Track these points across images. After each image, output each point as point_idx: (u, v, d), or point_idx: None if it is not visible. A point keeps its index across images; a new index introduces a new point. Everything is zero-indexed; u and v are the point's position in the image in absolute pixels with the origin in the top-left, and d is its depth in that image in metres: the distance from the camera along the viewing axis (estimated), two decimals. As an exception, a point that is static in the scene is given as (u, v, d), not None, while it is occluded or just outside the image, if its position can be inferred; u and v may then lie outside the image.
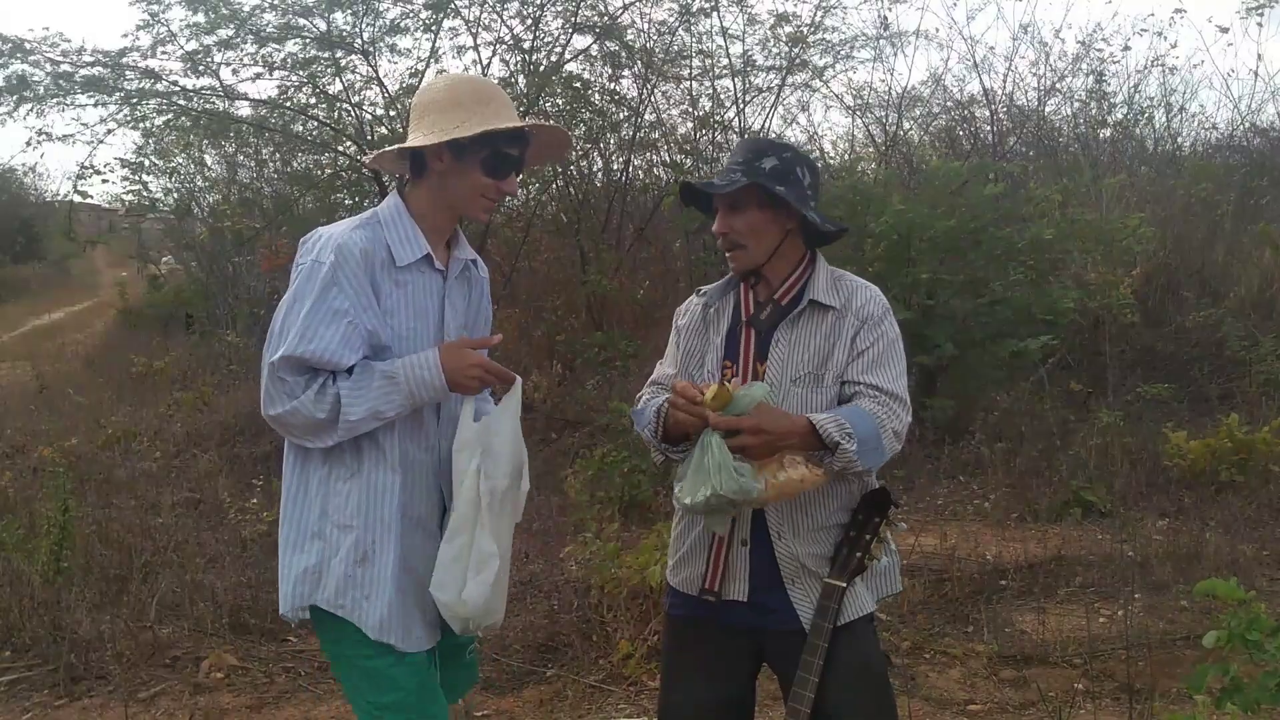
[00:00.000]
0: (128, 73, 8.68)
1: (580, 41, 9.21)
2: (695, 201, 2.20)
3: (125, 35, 8.81)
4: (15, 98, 8.64)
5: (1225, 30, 15.47)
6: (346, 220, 2.01)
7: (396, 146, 2.05)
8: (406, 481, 1.98)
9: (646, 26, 9.50)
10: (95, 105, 8.82)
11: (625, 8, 9.16)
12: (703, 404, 1.92)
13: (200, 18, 8.40)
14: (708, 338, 2.17)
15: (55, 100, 8.69)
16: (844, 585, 2.00)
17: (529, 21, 9.06)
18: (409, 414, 1.97)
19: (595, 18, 9.01)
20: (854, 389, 2.05)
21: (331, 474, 1.97)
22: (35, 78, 8.67)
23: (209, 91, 9.03)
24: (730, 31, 9.55)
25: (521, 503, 2.13)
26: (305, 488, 1.99)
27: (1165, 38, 14.26)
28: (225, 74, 8.92)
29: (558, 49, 9.20)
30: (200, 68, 8.71)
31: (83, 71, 8.63)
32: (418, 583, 2.00)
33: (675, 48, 9.64)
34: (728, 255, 2.13)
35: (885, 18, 9.86)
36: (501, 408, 2.07)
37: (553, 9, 8.96)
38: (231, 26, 8.44)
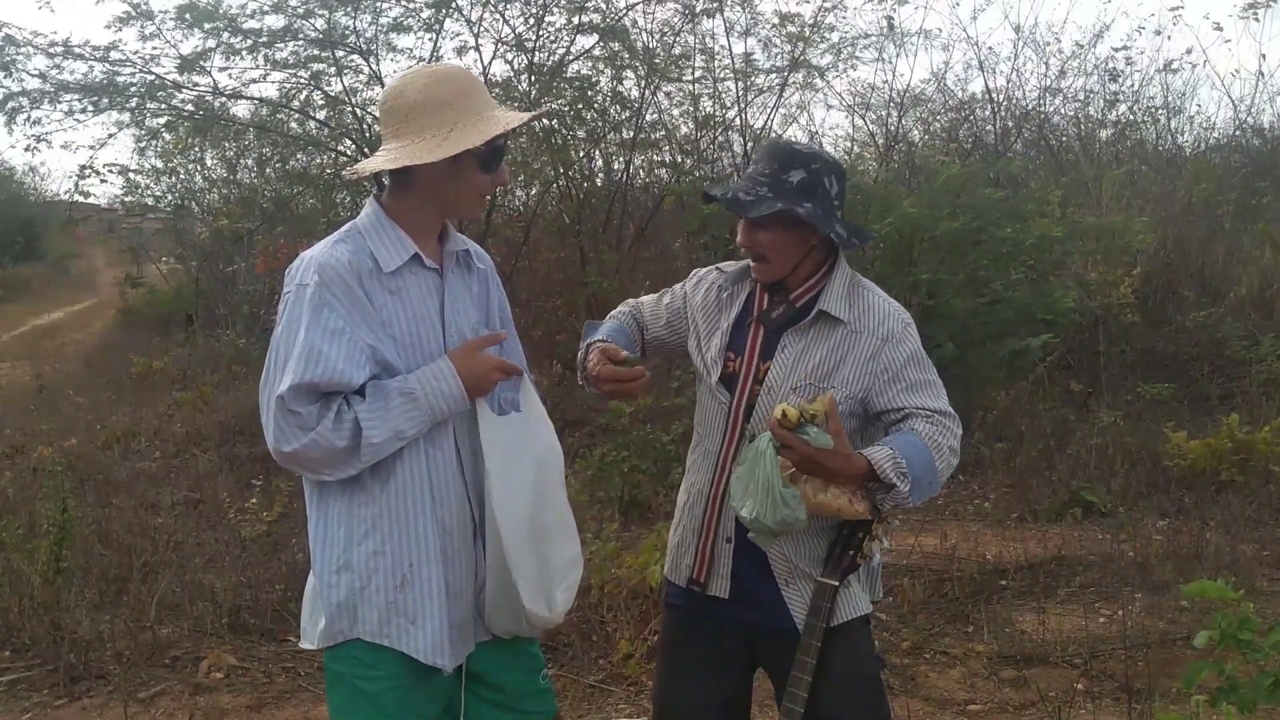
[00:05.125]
0: (120, 68, 8.69)
1: (583, 41, 9.22)
2: (716, 200, 2.16)
3: (108, 27, 8.79)
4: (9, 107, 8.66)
5: (1220, 28, 15.44)
6: (325, 239, 1.93)
7: (393, 164, 1.87)
8: (436, 494, 1.90)
9: (650, 26, 9.51)
10: (91, 110, 8.83)
11: (630, 8, 9.16)
12: (775, 420, 1.91)
13: (177, 15, 8.41)
14: (717, 322, 2.16)
15: (48, 102, 8.70)
16: (836, 584, 2.00)
17: (531, 20, 9.07)
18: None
19: (599, 19, 9.00)
20: (901, 413, 2.03)
21: (353, 500, 1.88)
22: (26, 83, 8.69)
23: (203, 90, 9.04)
24: (734, 29, 9.54)
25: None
26: (326, 520, 1.91)
27: (1170, 38, 14.22)
28: (222, 76, 8.93)
29: (560, 49, 9.20)
30: (194, 68, 8.70)
31: (71, 66, 8.65)
32: (457, 597, 1.93)
33: (678, 50, 9.64)
34: (751, 265, 2.11)
35: (891, 20, 9.82)
36: (529, 403, 2.03)
37: (557, 7, 8.96)
38: (220, 24, 8.42)
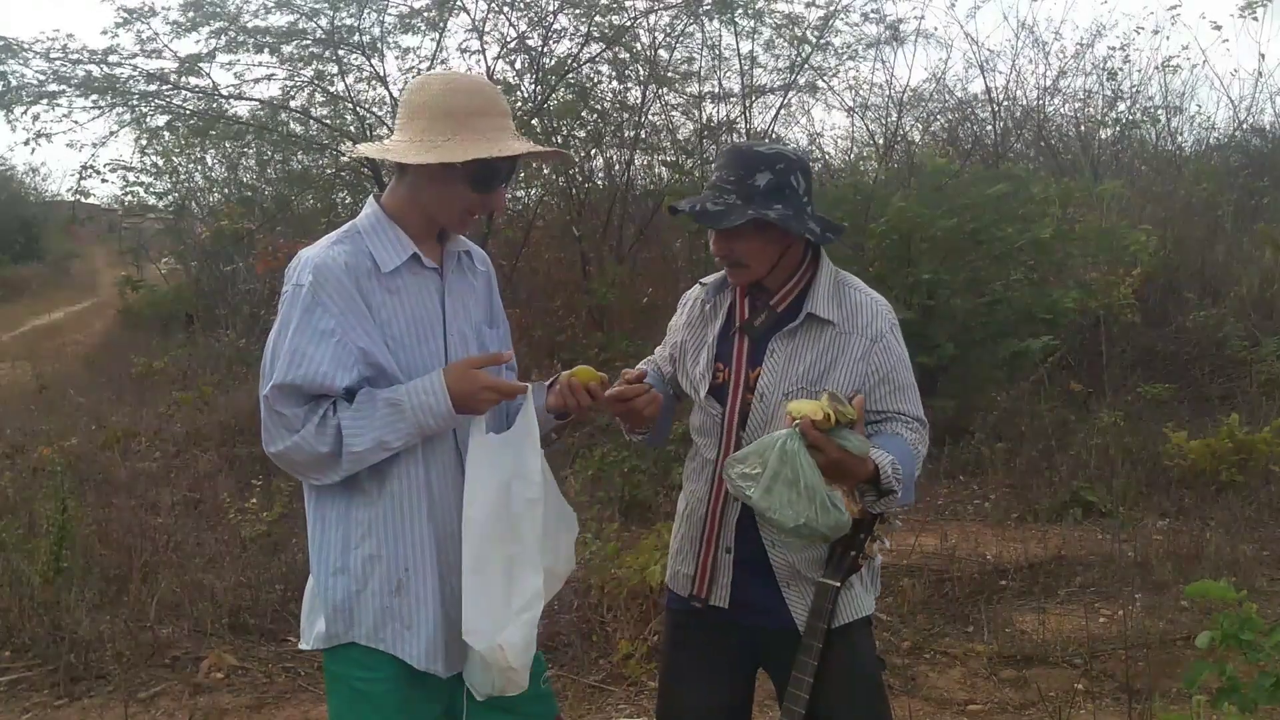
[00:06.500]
0: (118, 70, 8.71)
1: (589, 48, 9.21)
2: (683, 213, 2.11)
3: (105, 33, 8.88)
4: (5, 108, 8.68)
5: (1219, 28, 15.46)
6: (325, 237, 1.92)
7: (382, 154, 1.92)
8: (434, 500, 1.89)
9: (653, 26, 9.52)
10: (91, 108, 8.84)
11: (636, 19, 9.16)
12: (804, 418, 1.84)
13: (179, 16, 8.42)
14: (704, 335, 2.15)
15: (47, 101, 8.71)
16: (838, 585, 1.99)
17: (535, 21, 9.07)
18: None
19: (606, 28, 9.00)
20: (884, 416, 2.04)
21: (351, 504, 1.87)
22: (26, 79, 8.70)
23: (203, 91, 9.03)
24: (740, 31, 9.53)
25: (569, 512, 2.03)
26: (323, 523, 1.90)
27: (1169, 38, 14.18)
28: (226, 76, 8.96)
29: (565, 50, 9.20)
30: (194, 70, 8.71)
31: (70, 69, 8.65)
32: (456, 604, 1.90)
33: (680, 53, 9.65)
34: (727, 270, 2.08)
35: (897, 27, 9.79)
36: (522, 418, 1.96)
37: (565, 15, 8.97)
38: (224, 23, 8.43)
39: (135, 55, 8.71)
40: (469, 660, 1.90)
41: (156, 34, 8.53)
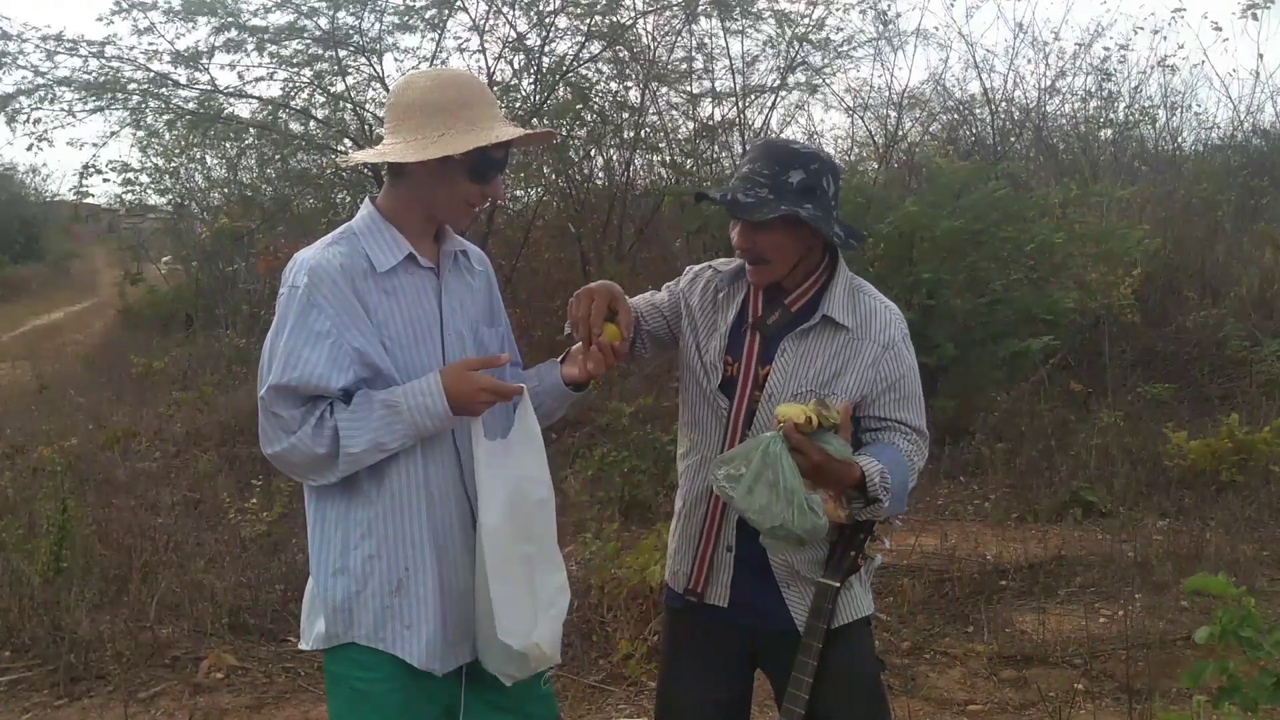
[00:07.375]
0: (116, 64, 8.70)
1: (589, 47, 9.22)
2: (713, 201, 2.10)
3: (100, 19, 8.83)
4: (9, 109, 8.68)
5: (1219, 29, 15.42)
6: (320, 240, 1.92)
7: (380, 158, 1.91)
8: (433, 499, 1.89)
9: (651, 27, 9.53)
10: (91, 103, 8.83)
11: (635, 19, 9.16)
12: (787, 421, 1.85)
13: (176, 4, 8.41)
14: (715, 324, 2.12)
15: (49, 99, 8.72)
16: (837, 585, 1.98)
17: (534, 20, 9.07)
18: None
19: (605, 27, 9.01)
20: (884, 424, 2.04)
21: (351, 504, 1.87)
22: (24, 75, 8.71)
23: (203, 87, 9.03)
24: (731, 29, 9.54)
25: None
26: (323, 523, 1.90)
27: (1166, 38, 14.19)
28: (226, 76, 8.95)
29: (566, 55, 9.20)
30: (193, 63, 8.70)
31: (68, 61, 8.67)
32: (455, 603, 1.92)
33: (679, 53, 9.67)
34: (748, 267, 2.06)
35: (886, 14, 9.80)
36: (522, 420, 1.96)
37: (565, 15, 8.98)
38: (222, 20, 8.43)
39: (133, 48, 8.73)
40: (493, 651, 1.90)
41: (154, 24, 8.52)
